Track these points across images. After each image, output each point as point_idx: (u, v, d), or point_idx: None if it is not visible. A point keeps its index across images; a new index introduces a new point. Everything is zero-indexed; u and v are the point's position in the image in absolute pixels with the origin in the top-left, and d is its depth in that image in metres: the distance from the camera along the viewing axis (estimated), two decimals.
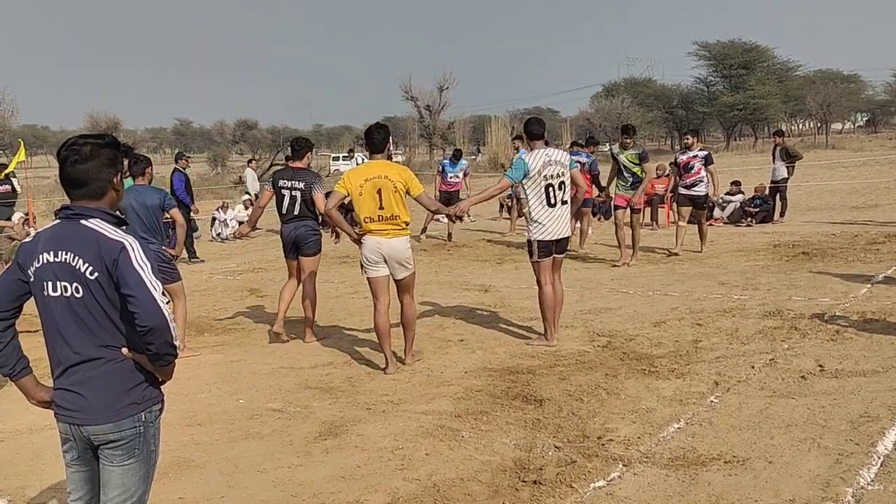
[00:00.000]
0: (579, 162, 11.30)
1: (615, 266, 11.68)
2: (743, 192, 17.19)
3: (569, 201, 7.34)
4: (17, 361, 3.00)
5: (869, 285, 9.20)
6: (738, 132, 71.97)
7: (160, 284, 2.83)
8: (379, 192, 6.58)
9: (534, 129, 7.38)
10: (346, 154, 25.76)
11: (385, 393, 6.25)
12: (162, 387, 3.09)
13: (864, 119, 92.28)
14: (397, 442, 5.19)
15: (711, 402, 5.65)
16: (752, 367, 6.36)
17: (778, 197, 16.64)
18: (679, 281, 10.24)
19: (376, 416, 5.72)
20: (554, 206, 7.18)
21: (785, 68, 68.05)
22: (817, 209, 18.12)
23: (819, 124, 69.31)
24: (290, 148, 8.30)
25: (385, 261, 6.69)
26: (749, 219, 16.35)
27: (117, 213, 3.04)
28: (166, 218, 7.85)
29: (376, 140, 6.79)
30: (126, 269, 2.79)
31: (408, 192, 6.66)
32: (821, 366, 6.26)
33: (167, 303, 2.84)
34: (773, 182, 16.71)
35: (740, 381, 6.04)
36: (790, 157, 16.80)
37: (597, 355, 6.96)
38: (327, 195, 7.36)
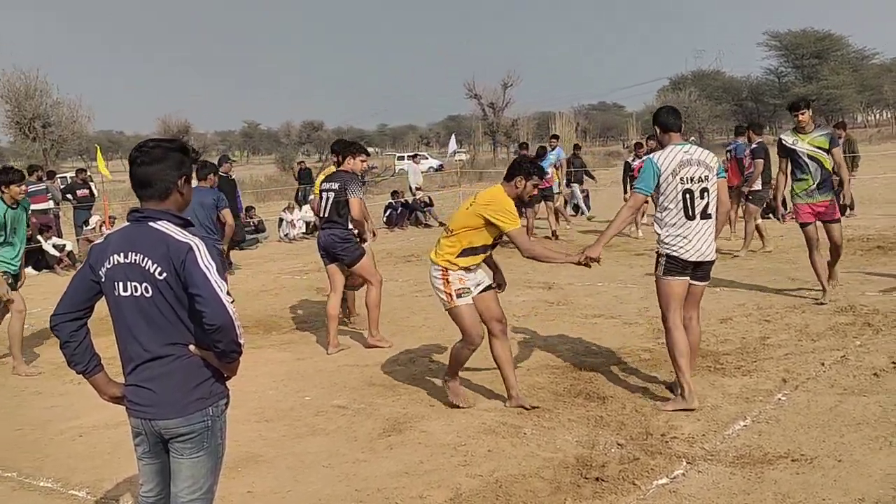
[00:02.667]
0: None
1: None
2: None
3: (713, 216, 5.61)
4: (90, 359, 3.14)
5: None
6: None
7: (225, 284, 2.93)
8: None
9: (667, 120, 5.71)
10: (411, 155, 25.95)
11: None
12: (227, 382, 3.19)
13: None
14: (460, 438, 5.24)
15: (779, 399, 5.56)
16: (822, 364, 6.22)
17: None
18: (747, 277, 10.06)
19: (439, 414, 5.78)
20: (693, 218, 5.49)
21: (860, 56, 66.14)
22: (894, 202, 17.56)
23: None
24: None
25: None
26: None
27: (184, 216, 3.15)
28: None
29: (509, 169, 5.83)
30: (193, 270, 2.90)
31: (491, 223, 5.53)
32: (894, 363, 6.09)
33: (232, 302, 2.94)
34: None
35: (809, 379, 5.92)
36: (852, 151, 16.33)
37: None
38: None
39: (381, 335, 7.89)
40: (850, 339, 6.86)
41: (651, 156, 5.69)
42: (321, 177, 8.30)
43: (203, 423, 3.03)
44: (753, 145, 12.39)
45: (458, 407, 5.81)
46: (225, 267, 3.06)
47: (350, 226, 7.63)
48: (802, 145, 8.31)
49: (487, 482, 4.53)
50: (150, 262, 2.95)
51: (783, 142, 8.52)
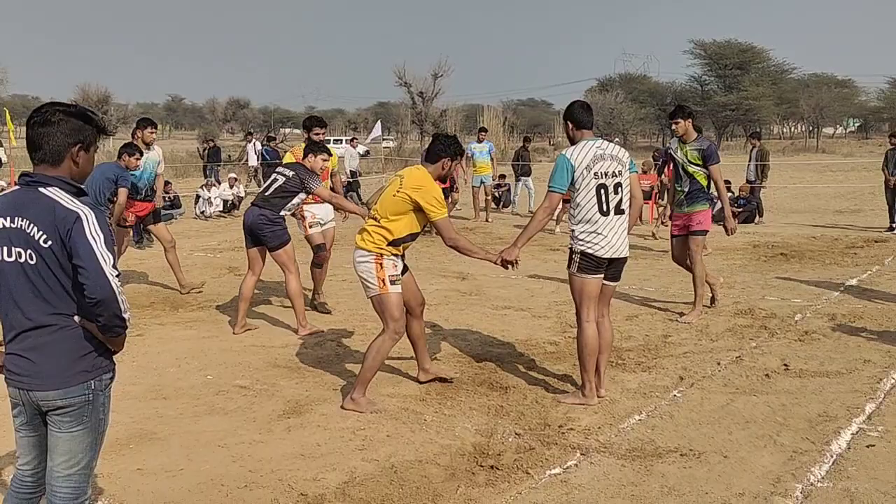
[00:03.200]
0: None
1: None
2: (733, 192, 17.26)
3: (626, 211, 5.59)
4: None
5: (842, 288, 9.28)
6: (731, 132, 72.13)
7: (112, 257, 2.84)
8: (388, 188, 5.71)
9: (581, 117, 5.63)
10: (349, 138, 25.48)
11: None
12: (117, 357, 3.10)
13: (857, 124, 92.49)
14: (359, 423, 5.22)
15: (674, 396, 5.71)
16: (719, 363, 6.42)
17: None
18: (656, 276, 10.30)
19: (341, 397, 5.74)
20: (606, 214, 5.45)
21: (779, 70, 68.22)
22: (801, 212, 18.23)
23: (811, 128, 69.60)
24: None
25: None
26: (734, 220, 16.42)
27: (79, 184, 3.04)
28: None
29: (429, 148, 5.79)
30: (79, 240, 2.80)
31: (420, 209, 5.45)
32: (786, 365, 6.33)
33: (117, 276, 2.85)
34: (748, 182, 16.84)
35: (705, 377, 6.09)
36: (763, 161, 16.88)
37: (567, 346, 7.00)
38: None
39: (310, 323, 7.72)
40: (746, 340, 7.09)
41: (564, 152, 5.61)
42: (289, 157, 8.42)
43: (83, 397, 2.93)
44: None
45: (376, 412, 5.44)
46: (113, 239, 2.95)
47: (281, 213, 7.51)
48: (681, 154, 8.10)
49: (383, 467, 4.53)
50: (35, 229, 2.84)
51: (669, 147, 8.54)
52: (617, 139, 63.43)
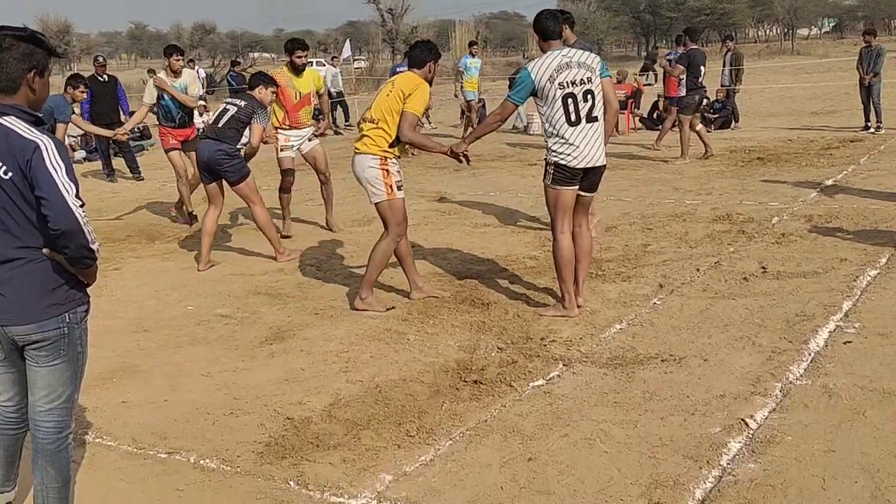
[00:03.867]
0: None
1: None
2: (707, 98, 17.15)
3: (599, 118, 5.47)
4: None
5: (819, 189, 9.31)
6: (706, 38, 71.42)
7: (74, 186, 2.76)
8: (378, 94, 5.87)
9: (546, 26, 5.49)
10: (333, 56, 24.68)
11: (334, 298, 6.27)
12: (87, 288, 3.05)
13: (832, 24, 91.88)
14: (342, 346, 5.24)
15: (654, 303, 5.75)
16: (698, 269, 6.46)
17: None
18: (633, 187, 10.28)
19: (324, 321, 5.75)
20: (576, 123, 5.33)
21: None
22: (777, 115, 18.17)
23: (786, 30, 69.01)
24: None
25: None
26: (709, 125, 16.36)
27: (37, 112, 2.94)
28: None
29: (412, 54, 5.94)
30: (39, 170, 2.72)
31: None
32: (763, 268, 6.37)
33: (81, 206, 2.78)
34: (723, 87, 16.71)
35: (684, 284, 6.13)
36: (738, 65, 16.71)
37: (546, 260, 6.99)
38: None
39: (286, 248, 7.64)
40: (724, 245, 7.12)
41: (526, 65, 5.54)
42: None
43: (58, 330, 2.89)
44: (678, 52, 12.56)
45: (380, 311, 5.81)
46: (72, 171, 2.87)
47: (238, 145, 7.32)
48: None
49: (367, 387, 4.56)
50: None
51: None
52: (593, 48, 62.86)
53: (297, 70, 8.28)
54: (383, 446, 3.86)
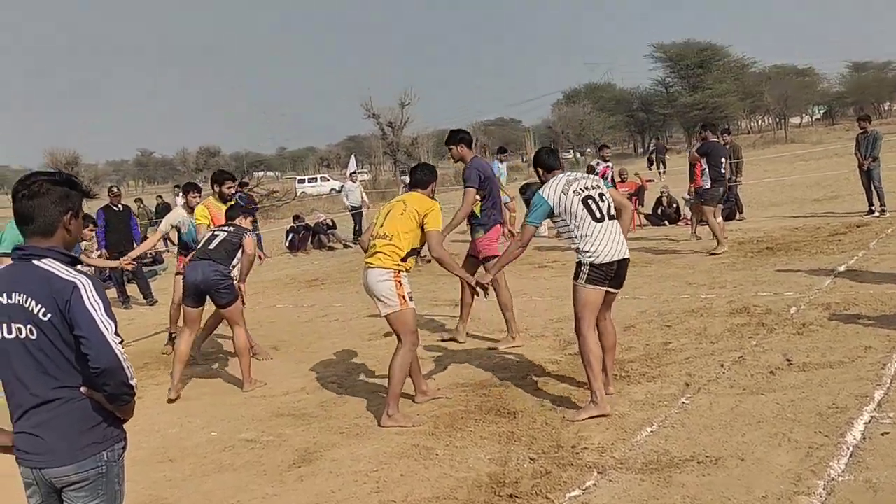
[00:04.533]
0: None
1: None
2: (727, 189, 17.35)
3: (616, 217, 5.89)
4: None
5: (832, 276, 9.32)
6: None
7: (113, 323, 2.80)
8: (388, 213, 6.15)
9: (548, 161, 6.08)
10: (352, 172, 24.36)
11: (358, 416, 6.22)
12: (124, 425, 3.04)
13: (822, 111, 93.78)
14: (371, 465, 5.17)
15: (683, 403, 5.69)
16: (722, 365, 6.41)
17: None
18: (646, 284, 10.31)
19: (350, 440, 5.69)
20: (601, 220, 5.72)
21: (740, 65, 69.18)
22: (779, 204, 18.36)
23: (778, 119, 70.43)
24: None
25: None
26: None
27: (71, 252, 3.01)
28: None
29: (417, 177, 6.39)
30: (78, 309, 2.76)
31: (422, 227, 5.99)
32: (788, 360, 6.33)
33: (121, 342, 2.81)
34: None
35: (710, 381, 6.08)
36: (736, 157, 17.01)
37: (568, 363, 6.98)
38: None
39: (256, 378, 7.50)
40: (746, 339, 7.09)
41: (539, 191, 5.92)
42: (201, 209, 8.39)
43: (97, 470, 2.87)
44: (697, 144, 12.90)
45: (416, 426, 5.80)
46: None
47: (231, 267, 7.41)
48: None
49: None
50: (33, 303, 2.80)
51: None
52: (589, 149, 63.98)
53: (225, 200, 8.48)
54: None
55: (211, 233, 7.66)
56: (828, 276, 9.38)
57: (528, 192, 9.23)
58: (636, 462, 4.75)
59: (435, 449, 5.33)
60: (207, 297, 7.39)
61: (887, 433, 4.69)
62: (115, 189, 14.35)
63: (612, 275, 5.74)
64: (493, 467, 4.91)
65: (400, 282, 5.91)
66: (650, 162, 27.73)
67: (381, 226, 6.05)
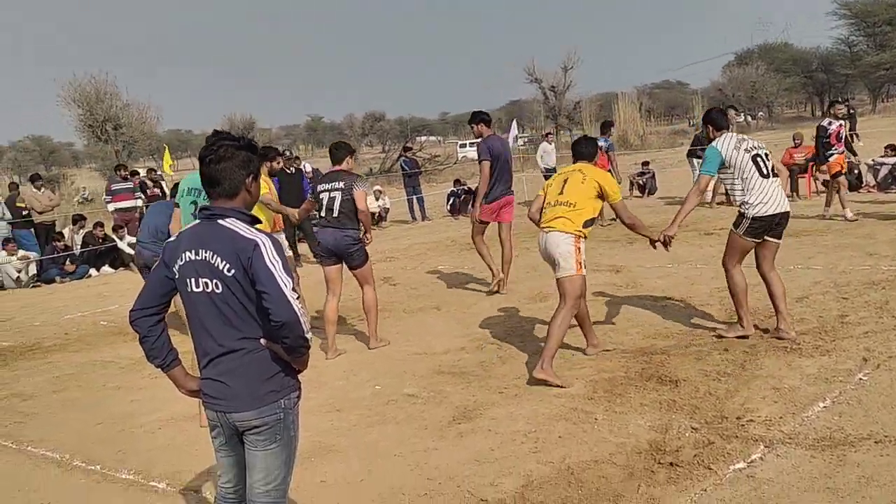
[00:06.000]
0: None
1: None
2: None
3: (777, 175, 6.54)
4: (168, 353, 3.21)
5: None
6: (886, 93, 67.73)
7: (291, 280, 2.96)
8: (566, 181, 6.35)
9: (718, 119, 6.69)
10: (545, 133, 23.73)
11: (517, 377, 6.27)
12: (298, 376, 3.22)
13: None
14: (530, 425, 5.21)
15: (860, 379, 5.38)
16: None
17: None
18: (822, 253, 9.76)
19: (508, 400, 5.76)
20: (767, 176, 6.34)
21: None
22: None
23: None
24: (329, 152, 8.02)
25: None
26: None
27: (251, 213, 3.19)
28: None
29: (582, 150, 6.59)
30: (259, 266, 2.93)
31: (600, 195, 6.26)
32: None
33: (298, 298, 2.96)
34: None
35: (892, 357, 5.71)
36: None
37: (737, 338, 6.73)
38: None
39: (381, 336, 7.77)
40: None
41: (713, 144, 6.52)
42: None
43: (275, 416, 3.06)
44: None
45: (562, 387, 5.88)
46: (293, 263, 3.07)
47: (360, 227, 7.51)
48: None
49: (559, 469, 4.50)
50: (219, 259, 3.00)
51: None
52: (761, 113, 60.83)
53: (274, 175, 8.24)
54: None
55: (326, 195, 7.51)
56: None
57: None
58: (807, 438, 4.55)
59: (594, 413, 5.30)
60: None
61: None
62: (287, 153, 15.04)
63: (773, 226, 6.39)
64: (653, 434, 4.84)
65: (579, 248, 6.15)
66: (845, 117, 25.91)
67: (561, 192, 6.30)
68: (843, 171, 12.59)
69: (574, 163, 6.57)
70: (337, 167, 7.64)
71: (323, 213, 7.55)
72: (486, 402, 5.78)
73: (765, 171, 6.33)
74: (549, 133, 23.68)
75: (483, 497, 4.25)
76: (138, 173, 20.41)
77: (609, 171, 14.56)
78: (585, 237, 6.22)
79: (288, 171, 14.19)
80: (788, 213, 6.49)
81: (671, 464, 4.40)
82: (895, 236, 10.34)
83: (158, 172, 22.33)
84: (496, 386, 6.12)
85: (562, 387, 5.85)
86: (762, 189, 6.28)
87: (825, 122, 12.85)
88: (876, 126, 30.83)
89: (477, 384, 6.23)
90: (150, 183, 19.16)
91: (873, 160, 16.06)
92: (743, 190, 6.36)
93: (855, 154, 14.90)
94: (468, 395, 5.99)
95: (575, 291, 6.15)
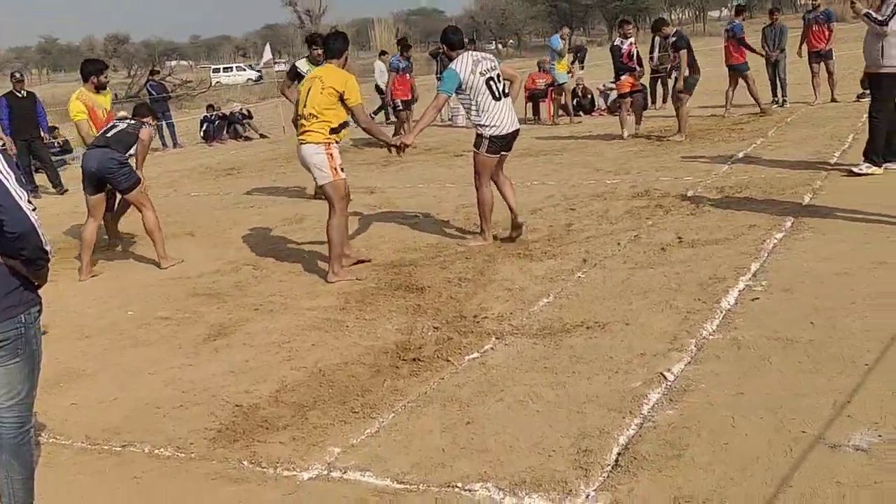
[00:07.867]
0: None
1: None
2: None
3: (509, 94, 7.10)
4: None
5: (730, 163, 9.80)
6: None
7: (25, 192, 2.92)
8: (309, 91, 6.47)
9: (453, 38, 7.15)
10: (381, 52, 22.50)
11: (272, 294, 6.44)
12: (42, 296, 3.19)
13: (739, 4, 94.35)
14: (284, 337, 5.43)
15: (579, 277, 6.07)
16: (618, 243, 6.81)
17: (659, 84, 17.19)
18: (556, 171, 10.65)
19: (263, 316, 5.93)
20: (499, 98, 6.90)
21: None
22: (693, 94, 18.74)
23: (697, 12, 70.76)
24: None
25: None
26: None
27: None
28: None
29: (331, 46, 6.68)
30: None
31: (343, 99, 6.41)
32: (679, 238, 6.75)
33: (34, 210, 2.93)
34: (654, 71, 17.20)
35: (606, 258, 6.47)
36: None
37: (476, 248, 7.27)
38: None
39: (170, 254, 7.78)
40: (643, 220, 7.50)
41: (451, 65, 6.93)
42: (76, 105, 8.04)
43: (16, 330, 3.03)
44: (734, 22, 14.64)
45: (359, 279, 6.48)
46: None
47: (127, 155, 7.53)
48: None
49: (311, 372, 4.76)
50: None
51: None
52: (511, 40, 63.50)
53: (98, 90, 8.30)
54: (330, 423, 4.08)
55: (112, 123, 7.75)
56: (725, 162, 9.85)
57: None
58: (531, 328, 5.12)
59: (345, 322, 5.61)
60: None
61: (757, 299, 5.16)
62: (17, 75, 13.86)
63: (507, 143, 7.05)
64: (399, 336, 5.23)
65: (332, 154, 6.45)
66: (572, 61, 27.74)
67: (305, 105, 6.46)
68: (634, 91, 13.27)
69: (324, 62, 6.77)
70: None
71: (98, 135, 7.63)
72: (242, 318, 5.92)
73: (497, 94, 6.87)
74: (384, 53, 22.39)
75: (238, 403, 4.43)
76: None
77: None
78: (338, 142, 6.52)
79: (18, 94, 13.10)
80: (518, 130, 7.18)
81: (414, 359, 4.80)
82: (618, 154, 11.46)
83: None
84: (251, 304, 6.26)
85: (359, 279, 6.49)
86: (494, 111, 6.86)
87: (617, 42, 13.62)
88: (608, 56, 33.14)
89: (232, 303, 6.33)
90: None
91: (604, 85, 17.50)
92: (478, 112, 6.90)
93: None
94: (223, 313, 6.09)
95: (339, 193, 6.51)
